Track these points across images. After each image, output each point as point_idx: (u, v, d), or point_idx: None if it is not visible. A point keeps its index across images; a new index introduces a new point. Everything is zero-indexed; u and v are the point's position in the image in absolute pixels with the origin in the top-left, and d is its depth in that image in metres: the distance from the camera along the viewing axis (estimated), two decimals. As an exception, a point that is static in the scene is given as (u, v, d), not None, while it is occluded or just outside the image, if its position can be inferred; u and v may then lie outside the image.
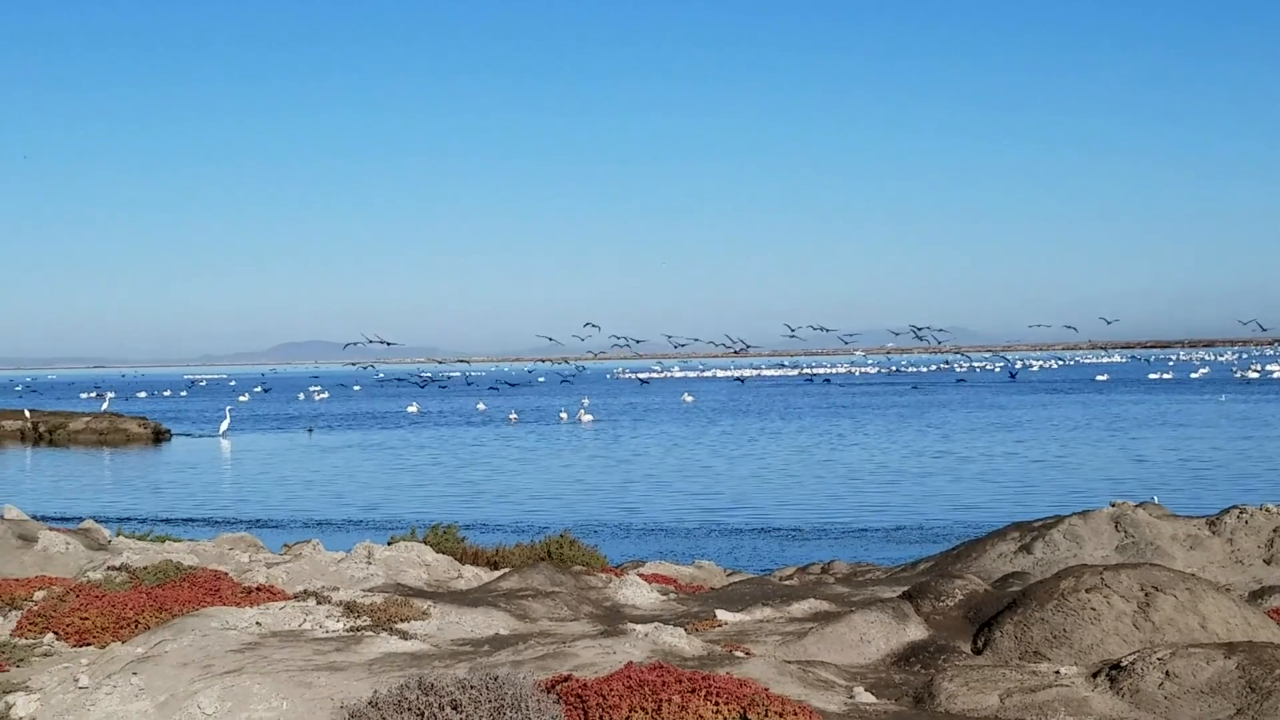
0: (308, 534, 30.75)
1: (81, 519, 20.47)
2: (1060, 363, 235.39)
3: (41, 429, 77.98)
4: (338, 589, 12.58)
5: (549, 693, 7.53)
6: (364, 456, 63.97)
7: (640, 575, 16.92)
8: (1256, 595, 13.88)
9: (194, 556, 16.00)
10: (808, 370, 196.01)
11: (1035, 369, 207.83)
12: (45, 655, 10.57)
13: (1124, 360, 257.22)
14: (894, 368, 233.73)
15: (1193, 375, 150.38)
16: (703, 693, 7.36)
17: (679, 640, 9.76)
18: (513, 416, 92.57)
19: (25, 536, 16.13)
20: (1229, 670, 8.64)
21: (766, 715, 7.28)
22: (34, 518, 18.78)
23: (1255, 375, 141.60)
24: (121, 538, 18.93)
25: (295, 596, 12.17)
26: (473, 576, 17.05)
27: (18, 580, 13.37)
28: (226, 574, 13.79)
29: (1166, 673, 8.73)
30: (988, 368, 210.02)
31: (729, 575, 21.21)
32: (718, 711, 7.26)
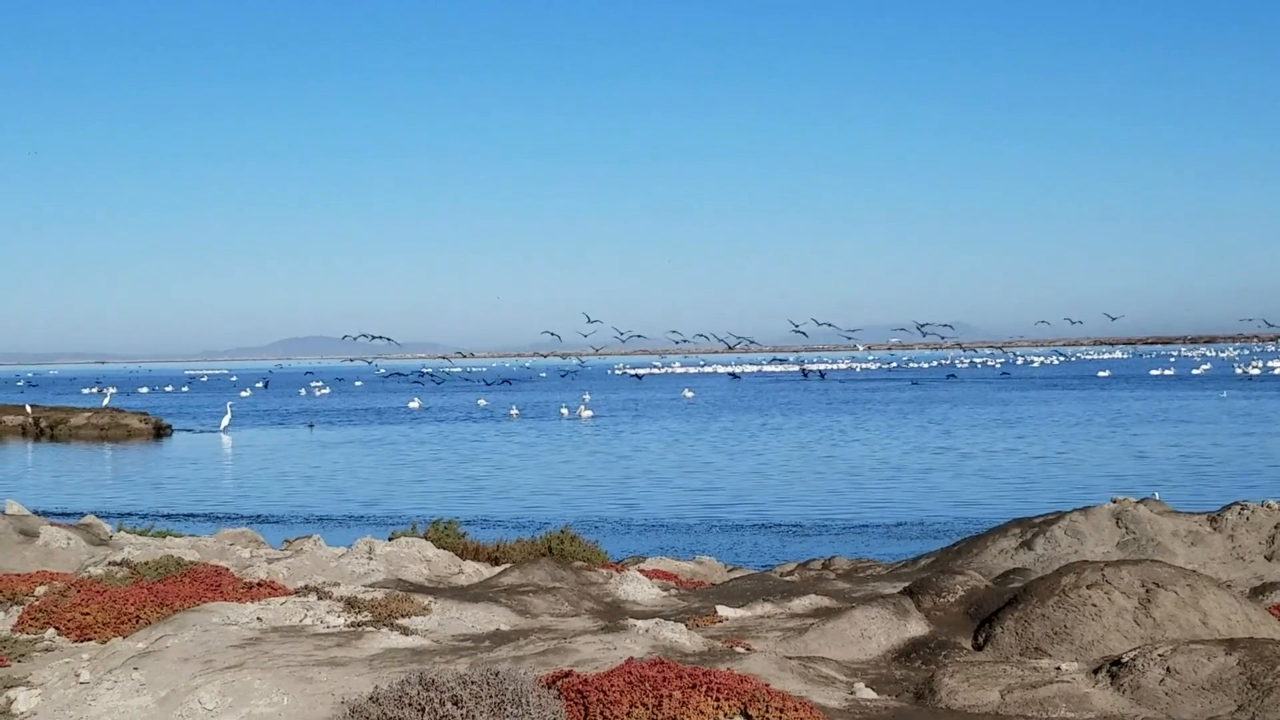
0: (309, 529, 30.79)
1: (83, 514, 20.49)
2: (1062, 359, 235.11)
3: (43, 424, 78.01)
4: (339, 584, 12.59)
5: (550, 688, 7.53)
6: (365, 452, 63.98)
7: (641, 571, 16.92)
8: (1258, 591, 13.88)
9: (195, 552, 16.00)
10: (802, 366, 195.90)
11: (1036, 365, 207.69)
12: (46, 650, 10.58)
13: (1125, 356, 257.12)
14: (894, 364, 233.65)
15: (1194, 372, 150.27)
16: (703, 689, 7.36)
17: (680, 636, 9.76)
18: (514, 412, 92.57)
19: (26, 532, 16.14)
20: (1230, 666, 8.64)
21: (767, 711, 7.28)
22: (35, 513, 18.80)
23: (1256, 371, 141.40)
24: (123, 533, 18.94)
25: (296, 592, 12.17)
26: (473, 572, 17.05)
27: (19, 575, 13.38)
28: (227, 569, 13.80)
29: (1168, 669, 8.72)
30: (988, 363, 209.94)
31: (730, 571, 21.22)
32: (718, 707, 7.26)
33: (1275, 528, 16.39)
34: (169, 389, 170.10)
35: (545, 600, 13.02)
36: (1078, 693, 8.68)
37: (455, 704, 6.99)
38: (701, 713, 7.20)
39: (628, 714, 7.23)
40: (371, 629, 10.44)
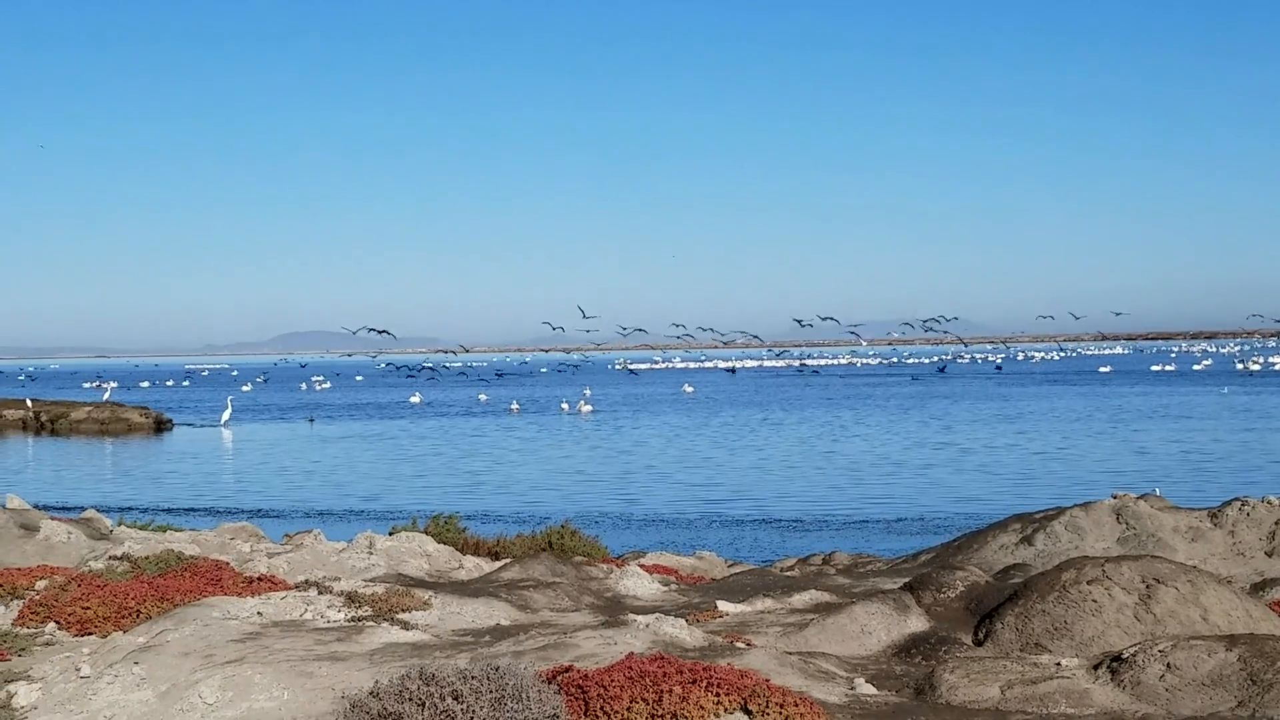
0: (309, 524, 30.78)
1: (83, 508, 20.49)
2: (1063, 354, 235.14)
3: (43, 418, 77.99)
4: (339, 579, 12.58)
5: (550, 683, 7.53)
6: (365, 446, 63.99)
7: (641, 566, 16.93)
8: (1258, 587, 13.88)
9: (195, 546, 16.00)
10: (801, 361, 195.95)
11: (1037, 360, 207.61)
12: (47, 644, 10.58)
13: (1126, 352, 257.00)
14: (895, 359, 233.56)
15: (1195, 367, 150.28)
16: (704, 684, 7.36)
17: (680, 631, 9.76)
18: (514, 407, 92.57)
19: (27, 526, 16.14)
20: (1230, 662, 8.64)
21: (767, 706, 7.28)
22: (36, 507, 18.81)
23: (1257, 367, 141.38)
24: (123, 527, 18.93)
25: (296, 586, 12.17)
26: (474, 567, 17.06)
27: (20, 569, 13.37)
28: (228, 564, 13.80)
29: (1168, 665, 8.72)
30: (989, 359, 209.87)
31: (730, 566, 21.22)
32: (719, 702, 7.26)
33: (1276, 524, 16.38)
34: (170, 383, 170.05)
35: (545, 595, 13.02)
36: (1078, 688, 8.68)
37: (455, 699, 6.99)
38: (702, 708, 7.20)
39: (628, 709, 7.23)
40: (372, 624, 10.44)
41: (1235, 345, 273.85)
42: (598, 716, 7.25)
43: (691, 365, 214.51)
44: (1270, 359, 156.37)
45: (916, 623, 11.42)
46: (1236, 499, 17.19)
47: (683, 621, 10.09)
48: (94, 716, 8.35)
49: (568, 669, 7.92)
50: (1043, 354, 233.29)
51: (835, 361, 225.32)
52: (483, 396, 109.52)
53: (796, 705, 7.37)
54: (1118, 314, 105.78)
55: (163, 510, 37.30)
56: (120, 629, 10.69)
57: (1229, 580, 12.41)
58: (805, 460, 52.43)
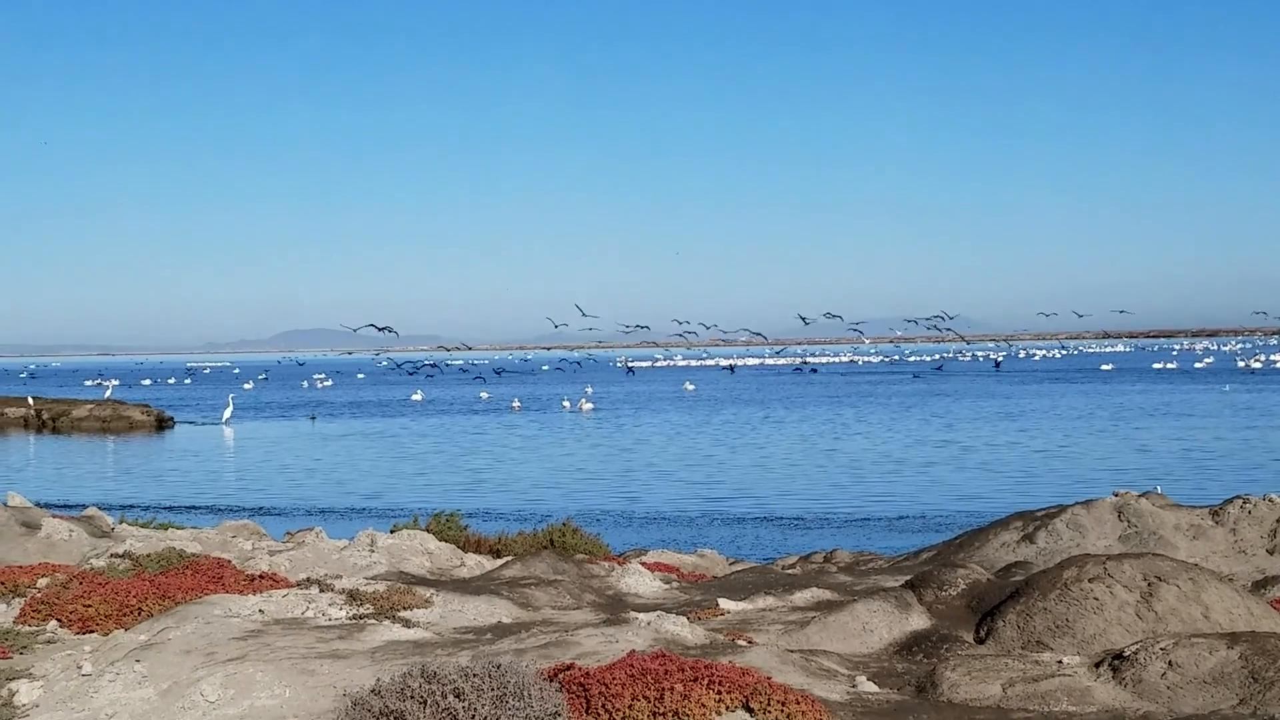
0: (310, 522, 30.81)
1: (85, 506, 20.49)
2: (1064, 352, 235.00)
3: (45, 416, 78.01)
4: (340, 577, 12.59)
5: (551, 681, 7.53)
6: (367, 444, 64.01)
7: (643, 564, 16.92)
8: (1259, 585, 13.88)
9: (197, 544, 16.01)
10: (803, 359, 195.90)
11: (1038, 358, 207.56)
12: (48, 642, 10.58)
13: (1128, 349, 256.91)
14: (896, 356, 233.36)
15: (1196, 365, 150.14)
16: (705, 681, 7.36)
17: (681, 629, 9.76)
18: (516, 405, 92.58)
19: (28, 523, 16.14)
20: (1232, 660, 8.63)
21: (769, 704, 7.28)
22: (37, 505, 18.80)
23: (1259, 365, 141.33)
24: (125, 525, 18.94)
25: (298, 584, 12.18)
26: (475, 565, 17.06)
27: (21, 567, 13.38)
28: (229, 561, 13.80)
29: (1169, 663, 8.72)
30: (989, 356, 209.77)
31: (731, 564, 21.22)
32: (720, 700, 7.26)
33: (1277, 521, 16.37)
34: (171, 381, 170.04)
35: (547, 593, 13.02)
36: (1079, 686, 8.68)
37: (457, 696, 6.99)
38: (703, 705, 7.20)
39: (629, 707, 7.23)
40: (373, 621, 10.44)
41: (1237, 343, 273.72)
42: (599, 714, 7.25)
43: (693, 363, 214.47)
44: (1272, 357, 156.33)
45: (918, 620, 11.42)
46: (1238, 497, 17.18)
47: (684, 619, 10.09)
48: (96, 714, 8.36)
49: (569, 667, 7.92)
50: (1044, 352, 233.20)
51: (836, 359, 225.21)
52: (484, 394, 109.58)
53: (798, 703, 7.37)
54: (1120, 312, 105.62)
55: (164, 508, 37.30)
56: (122, 627, 10.70)
57: (1230, 578, 12.41)
58: (807, 458, 52.42)
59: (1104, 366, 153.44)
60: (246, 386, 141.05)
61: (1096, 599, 10.48)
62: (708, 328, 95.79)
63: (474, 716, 6.89)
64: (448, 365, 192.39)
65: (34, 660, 9.81)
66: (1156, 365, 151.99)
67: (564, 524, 21.69)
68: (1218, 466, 44.86)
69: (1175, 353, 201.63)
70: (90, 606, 11.12)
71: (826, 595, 12.78)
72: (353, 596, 11.28)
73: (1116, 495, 17.32)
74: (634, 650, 8.39)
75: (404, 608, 11.12)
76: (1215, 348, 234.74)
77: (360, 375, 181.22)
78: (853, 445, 57.48)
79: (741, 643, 9.91)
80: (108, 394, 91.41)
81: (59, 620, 11.07)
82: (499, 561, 17.09)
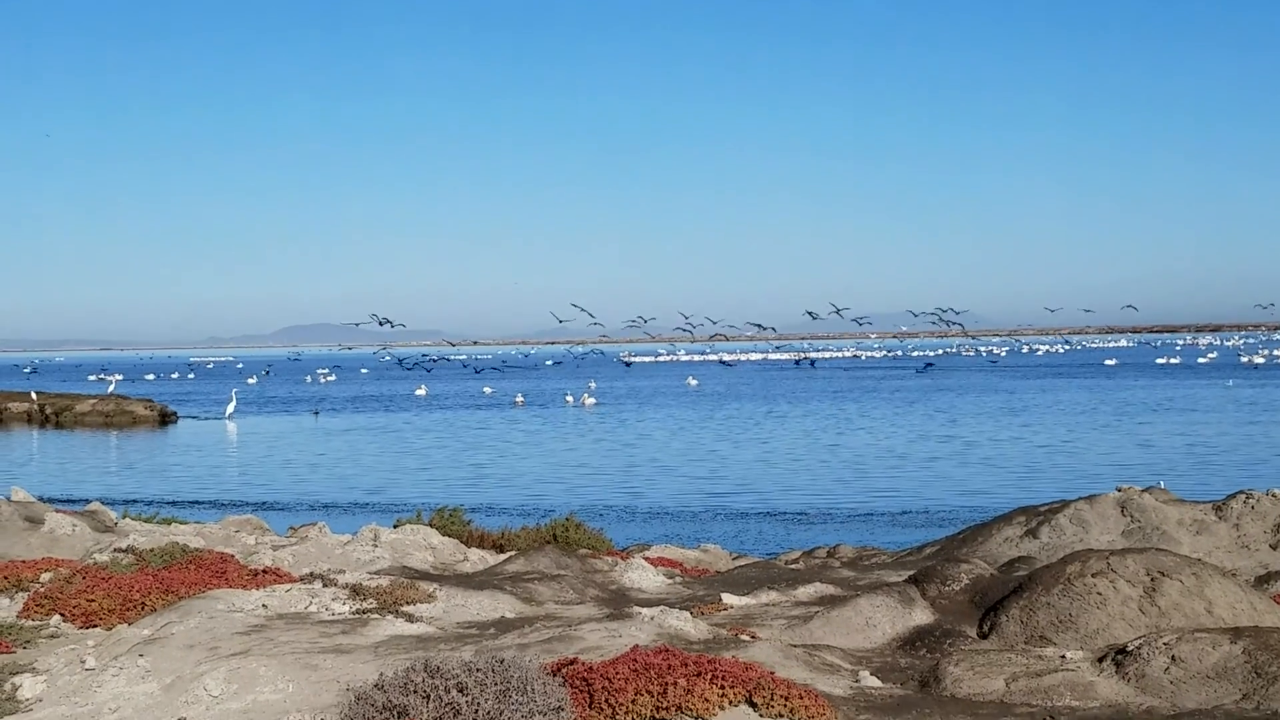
0: (314, 517, 30.80)
1: (88, 501, 20.50)
2: (1068, 347, 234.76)
3: (48, 411, 78.08)
4: (344, 572, 12.60)
5: (555, 675, 7.53)
6: (370, 439, 64.04)
7: (646, 559, 16.92)
8: (1262, 580, 13.87)
9: (200, 539, 16.03)
10: (797, 355, 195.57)
11: (1041, 353, 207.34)
12: (52, 637, 10.59)
13: (1131, 344, 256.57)
14: (899, 351, 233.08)
15: (1200, 360, 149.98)
16: (708, 676, 7.35)
17: (685, 624, 9.76)
18: (519, 400, 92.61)
19: (32, 518, 16.16)
20: (1235, 655, 8.63)
21: (772, 699, 7.28)
22: (41, 499, 18.82)
23: (1262, 360, 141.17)
24: (128, 520, 18.97)
25: (301, 579, 12.18)
26: (478, 559, 17.07)
27: (24, 562, 13.40)
28: (233, 556, 13.81)
29: (1172, 657, 8.71)
30: (993, 352, 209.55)
31: (734, 559, 21.21)
32: (723, 695, 7.26)
33: (1281, 516, 16.37)
34: (174, 376, 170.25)
35: (550, 588, 13.03)
36: (1082, 681, 8.67)
37: (460, 691, 6.99)
38: (706, 700, 7.20)
39: (633, 701, 7.23)
40: (376, 616, 10.44)
41: (1240, 338, 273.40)
42: (602, 709, 7.25)
43: (696, 358, 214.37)
44: (1275, 352, 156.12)
45: (921, 615, 11.42)
46: (1241, 492, 17.18)
47: (687, 614, 10.08)
48: (99, 709, 8.36)
49: (572, 661, 7.92)
50: (1048, 346, 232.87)
51: (840, 354, 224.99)
52: (488, 389, 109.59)
53: (801, 698, 7.37)
54: (1128, 308, 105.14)
55: (167, 503, 37.36)
56: (125, 621, 10.70)
57: (1233, 573, 12.40)
58: (810, 453, 52.42)
59: (1108, 361, 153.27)
60: (250, 381, 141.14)
61: (1100, 594, 10.47)
62: (713, 322, 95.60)
63: (477, 711, 6.89)
64: (449, 360, 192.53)
65: (37, 655, 9.82)
66: (1160, 360, 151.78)
67: (567, 519, 21.70)
68: (1221, 461, 44.84)
69: (1179, 348, 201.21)
70: (93, 601, 11.13)
71: (830, 590, 12.78)
72: (356, 591, 11.28)
73: (1120, 490, 17.31)
74: (637, 645, 8.39)
75: (407, 603, 11.12)
76: (1219, 343, 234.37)
77: (364, 370, 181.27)
78: (856, 440, 57.48)
79: (745, 638, 9.91)
80: (111, 389, 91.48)
81: (62, 615, 11.09)
82: (502, 556, 17.09)
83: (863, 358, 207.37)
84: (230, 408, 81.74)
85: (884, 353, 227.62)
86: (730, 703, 7.25)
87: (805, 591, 12.70)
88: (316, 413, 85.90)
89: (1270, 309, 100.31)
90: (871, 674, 9.24)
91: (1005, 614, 10.82)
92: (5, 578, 12.57)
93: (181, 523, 19.80)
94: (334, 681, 8.41)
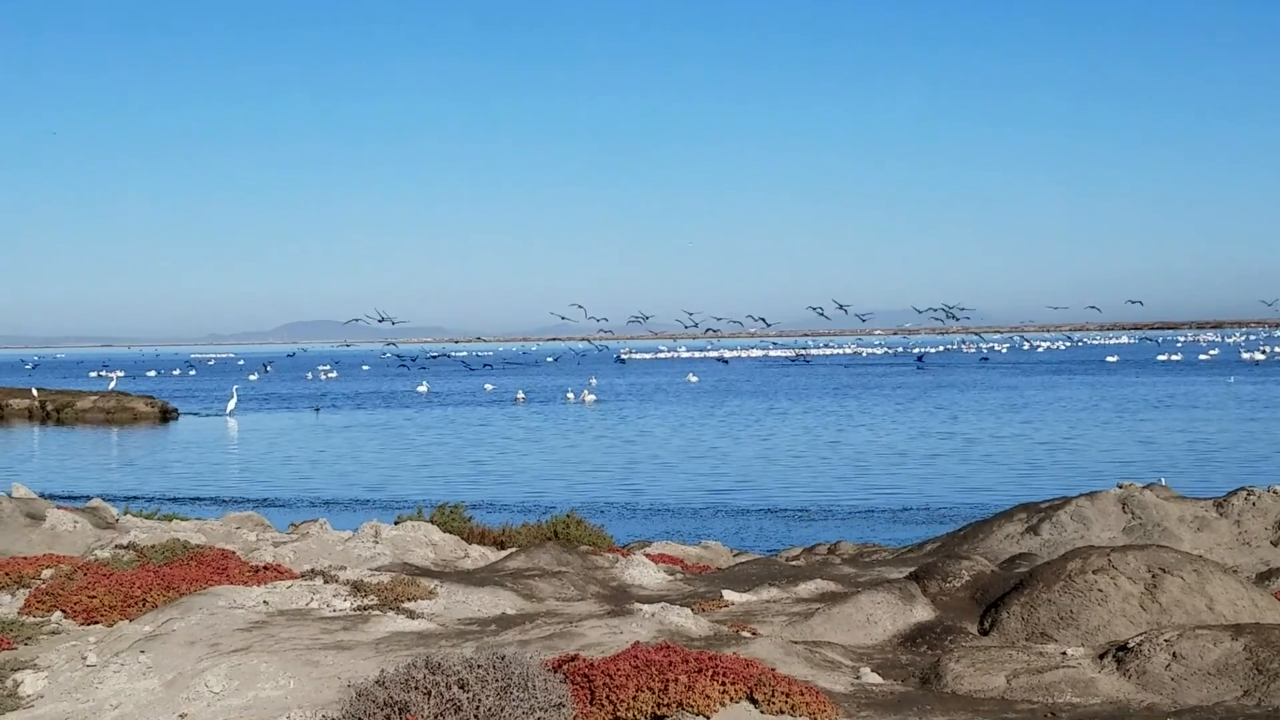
0: (315, 513, 30.81)
1: (89, 497, 20.51)
2: (1069, 343, 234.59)
3: (49, 407, 78.09)
4: (345, 568, 12.60)
5: (556, 672, 7.53)
6: (371, 436, 64.04)
7: (647, 555, 16.93)
8: (1264, 577, 13.86)
9: (201, 535, 16.04)
10: (793, 351, 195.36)
11: (1042, 349, 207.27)
12: (53, 633, 10.60)
13: (1132, 341, 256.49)
14: (900, 348, 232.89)
15: (1201, 357, 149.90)
16: (709, 673, 7.35)
17: (686, 620, 9.76)
18: (520, 396, 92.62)
19: (33, 515, 16.17)
20: (1236, 652, 8.62)
21: (773, 695, 7.28)
22: (42, 496, 18.85)
23: (1263, 357, 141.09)
24: (129, 516, 18.98)
25: (302, 575, 12.19)
26: (479, 556, 17.08)
27: (26, 558, 13.41)
28: (234, 553, 13.82)
29: (1173, 654, 8.71)
30: (995, 349, 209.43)
31: (736, 556, 21.21)
32: (724, 691, 7.26)
33: (1282, 513, 16.36)
34: (175, 373, 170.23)
35: (551, 584, 13.03)
36: (1083, 678, 8.67)
37: (461, 687, 6.99)
38: (707, 696, 7.20)
39: (634, 698, 7.23)
40: (377, 613, 10.45)
41: (1241, 335, 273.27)
42: (603, 705, 7.25)
43: (697, 355, 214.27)
44: (1276, 349, 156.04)
45: (922, 612, 11.42)
46: (1242, 488, 17.17)
47: (688, 611, 10.09)
48: (100, 705, 8.37)
49: (573, 658, 7.92)
50: (1049, 343, 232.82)
51: (841, 351, 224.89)
52: (488, 386, 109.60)
53: (802, 694, 7.37)
54: (1134, 303, 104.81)
55: (168, 499, 37.37)
56: (126, 618, 10.71)
57: (1235, 570, 12.40)
58: (810, 450, 52.40)
59: (1109, 358, 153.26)
60: (252, 378, 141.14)
61: (1101, 591, 10.47)
62: (719, 319, 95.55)
63: (478, 708, 6.89)
64: (449, 356, 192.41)
65: (39, 651, 9.83)
66: (1161, 357, 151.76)
67: (568, 515, 21.70)
68: (1222, 458, 44.82)
69: (1180, 344, 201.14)
70: (95, 598, 11.14)
71: (831, 587, 12.78)
72: (357, 588, 11.28)
73: (1121, 487, 17.31)
74: (638, 642, 8.39)
75: (408, 599, 11.13)
76: (1220, 339, 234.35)
77: (365, 367, 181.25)
78: (857, 437, 57.47)
79: (746, 634, 9.91)
80: (112, 385, 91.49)
81: (64, 611, 11.09)
82: (503, 553, 17.10)
83: (863, 354, 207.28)
84: (231, 404, 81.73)
85: (884, 350, 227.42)
86: (731, 699, 7.25)
87: (806, 588, 12.70)
88: (317, 409, 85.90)
89: (1275, 305, 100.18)
90: (872, 670, 9.24)
91: (1006, 611, 10.82)
92: (7, 574, 12.58)
93: (183, 519, 19.82)
94: (335, 678, 8.41)
